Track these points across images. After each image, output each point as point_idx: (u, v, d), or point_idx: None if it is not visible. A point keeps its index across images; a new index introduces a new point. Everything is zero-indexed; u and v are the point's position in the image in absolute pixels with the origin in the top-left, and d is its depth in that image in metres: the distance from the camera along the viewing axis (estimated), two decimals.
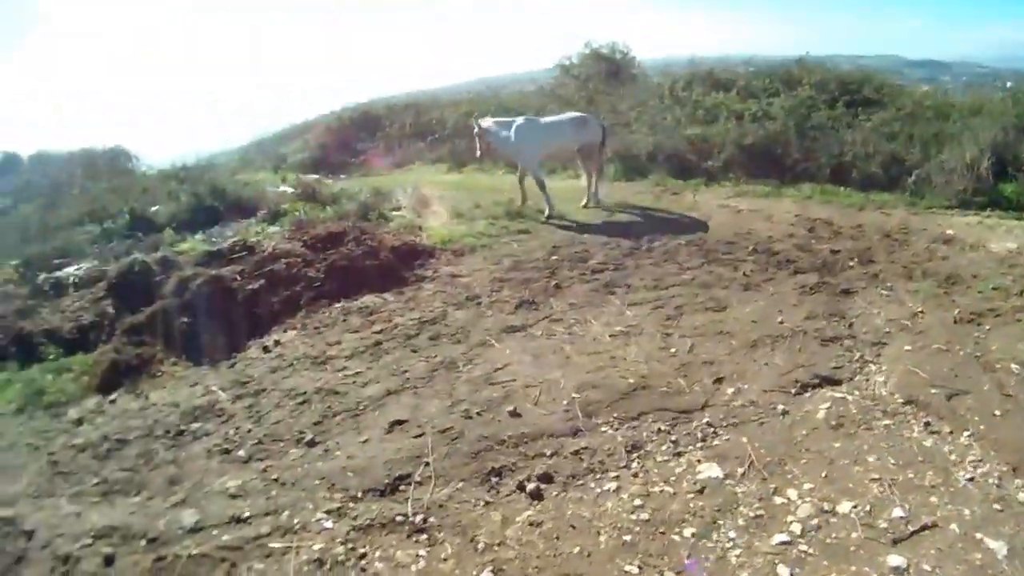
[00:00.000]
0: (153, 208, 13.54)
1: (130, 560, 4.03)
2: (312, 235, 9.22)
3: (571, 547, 3.84)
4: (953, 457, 4.72)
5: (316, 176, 18.24)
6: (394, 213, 12.07)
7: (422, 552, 3.87)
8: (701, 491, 4.27)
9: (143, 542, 4.17)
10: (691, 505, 4.14)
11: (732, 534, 3.91)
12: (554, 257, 8.88)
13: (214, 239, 10.80)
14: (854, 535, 3.98)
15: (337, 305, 7.73)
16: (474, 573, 3.71)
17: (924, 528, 4.07)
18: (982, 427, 5.00)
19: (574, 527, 4.00)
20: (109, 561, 4.04)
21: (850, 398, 5.47)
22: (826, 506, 4.18)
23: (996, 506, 4.21)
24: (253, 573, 3.86)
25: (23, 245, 12.24)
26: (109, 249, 11.13)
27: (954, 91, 16.96)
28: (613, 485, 4.36)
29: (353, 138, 21.68)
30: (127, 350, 6.80)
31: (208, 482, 4.72)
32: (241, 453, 5.03)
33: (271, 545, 4.02)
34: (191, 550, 4.03)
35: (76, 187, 18.57)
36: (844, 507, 4.19)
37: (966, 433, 4.96)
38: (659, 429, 4.95)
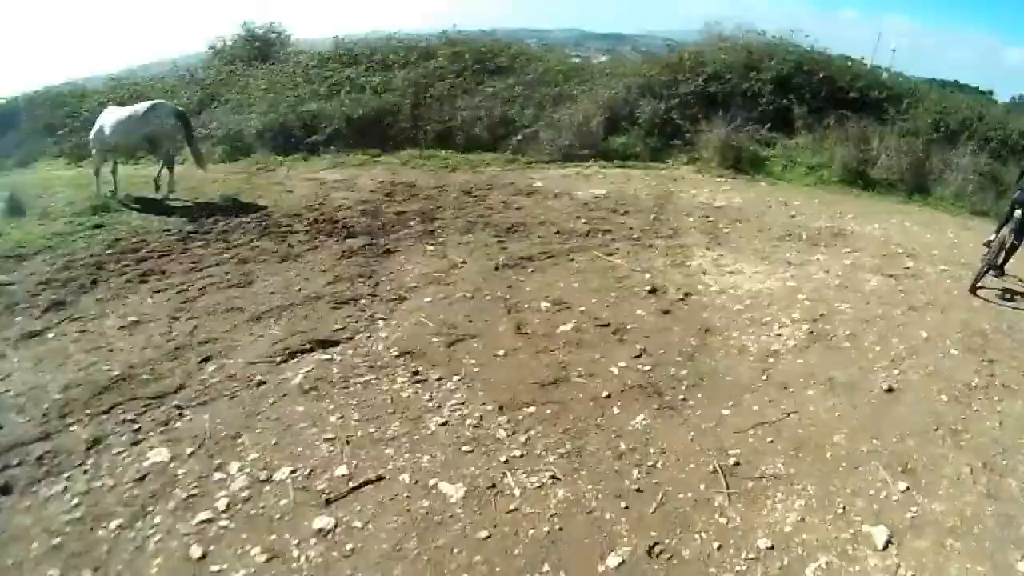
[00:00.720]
0: None
1: None
2: None
3: (6, 559, 3.71)
4: (431, 404, 4.89)
5: None
6: None
7: None
8: (142, 479, 4.22)
9: None
10: (127, 495, 4.09)
11: (158, 519, 3.88)
12: (108, 251, 8.29)
13: None
14: (283, 501, 3.98)
15: None
16: None
17: (367, 483, 4.12)
18: (476, 370, 5.30)
19: (14, 537, 3.85)
20: None
21: (338, 359, 5.55)
22: (263, 475, 4.20)
23: (465, 448, 4.41)
24: None
25: None
26: None
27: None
28: (61, 486, 4.20)
29: None
30: None
31: None
32: None
33: None
34: None
35: None
36: (282, 473, 4.20)
37: (456, 378, 5.19)
38: (125, 419, 4.83)
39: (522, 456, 4.41)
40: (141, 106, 11.09)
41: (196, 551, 3.66)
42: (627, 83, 14.03)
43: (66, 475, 4.32)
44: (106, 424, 4.81)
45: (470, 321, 6.08)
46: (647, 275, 7.17)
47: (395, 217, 9.03)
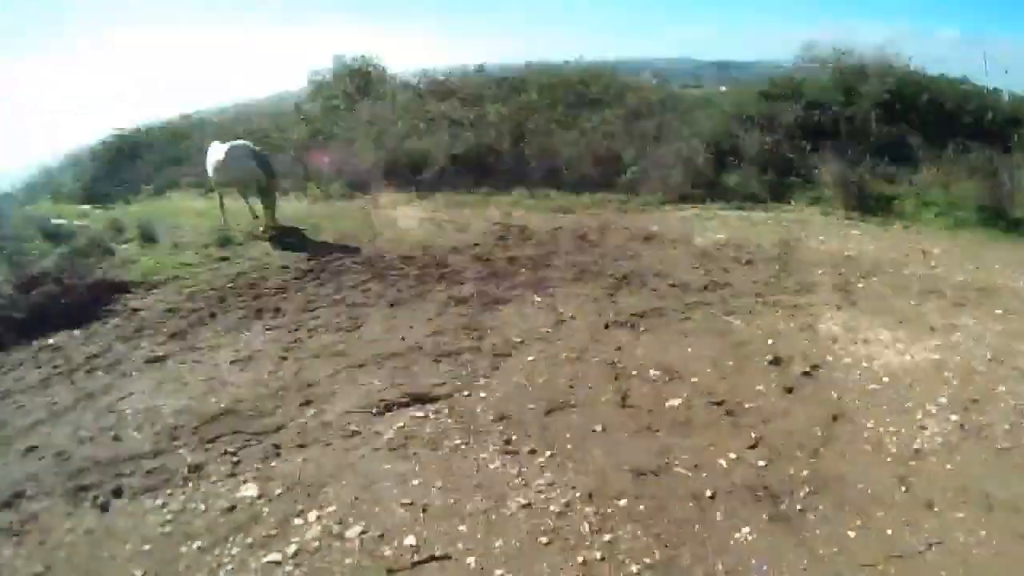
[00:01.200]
0: None
1: None
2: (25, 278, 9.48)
3: (103, 552, 4.26)
4: (517, 480, 4.72)
5: (89, 207, 18.32)
6: (123, 245, 12.44)
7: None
8: (230, 509, 4.55)
9: None
10: (213, 521, 4.43)
11: (234, 551, 4.16)
12: (229, 285, 9.00)
13: None
14: (348, 560, 4.03)
15: (29, 344, 8.12)
16: (29, 569, 4.20)
17: (432, 559, 4.04)
18: (571, 447, 5.05)
19: (114, 535, 4.41)
20: None
21: (433, 417, 5.55)
22: (336, 529, 4.31)
23: (543, 539, 4.16)
24: None
25: None
26: None
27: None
28: (161, 501, 4.70)
29: (119, 166, 21.55)
30: None
31: None
32: None
33: None
34: None
35: None
36: (353, 531, 4.28)
37: (548, 453, 4.99)
38: (226, 451, 5.22)
39: (602, 559, 4.00)
40: (224, 147, 11.61)
41: None
42: (727, 113, 13.52)
43: (167, 492, 4.80)
44: (209, 452, 5.23)
45: (571, 387, 5.87)
46: (769, 340, 6.55)
47: (507, 264, 8.98)
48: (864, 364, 6.03)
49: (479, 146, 14.07)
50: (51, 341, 7.79)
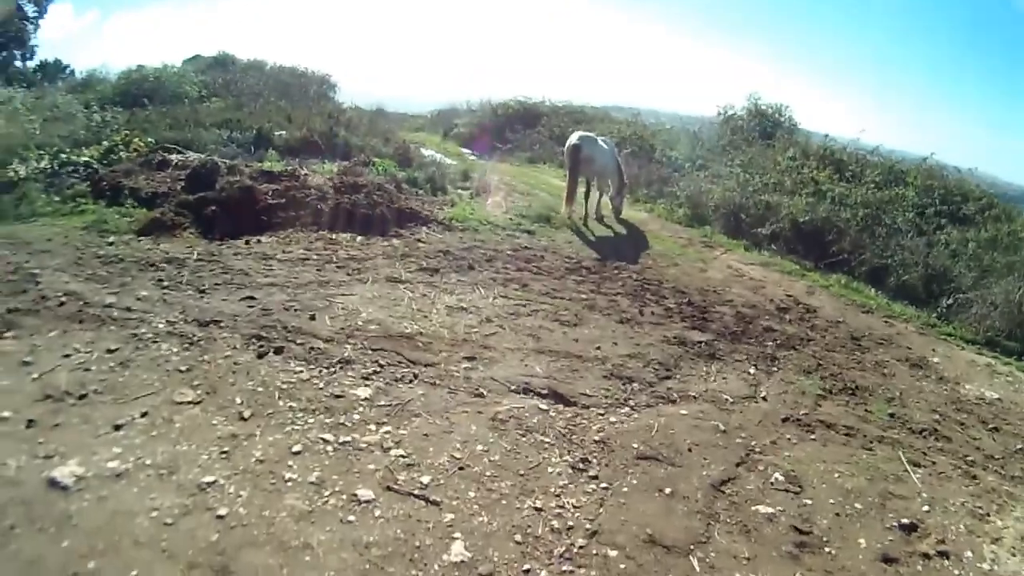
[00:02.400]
0: (278, 132, 16.34)
1: None
2: (343, 181, 11.38)
3: (230, 380, 5.51)
4: None
5: (469, 152, 21.03)
6: (458, 189, 14.23)
7: None
8: (338, 396, 5.58)
9: None
10: (317, 397, 5.41)
11: (310, 420, 5.16)
12: (509, 251, 10.31)
13: (289, 165, 13.20)
14: (370, 466, 4.57)
15: (319, 232, 9.87)
16: (181, 364, 5.62)
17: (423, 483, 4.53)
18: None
19: (247, 374, 5.69)
20: None
21: (541, 411, 5.92)
22: (387, 446, 4.83)
23: None
24: None
25: (170, 130, 15.20)
26: (221, 151, 13.84)
27: None
28: (302, 369, 5.86)
29: (509, 127, 24.13)
30: (169, 216, 9.12)
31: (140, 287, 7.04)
32: (182, 287, 7.28)
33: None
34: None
35: (266, 97, 21.96)
36: (395, 453, 4.82)
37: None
38: (378, 361, 6.19)
39: None
40: (601, 139, 13.12)
41: None
42: None
43: (311, 366, 6.00)
44: (365, 356, 6.26)
45: (690, 449, 5.75)
46: (925, 507, 5.60)
47: (761, 331, 8.85)
48: None
49: (825, 223, 13.72)
50: (333, 236, 9.27)
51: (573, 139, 13.22)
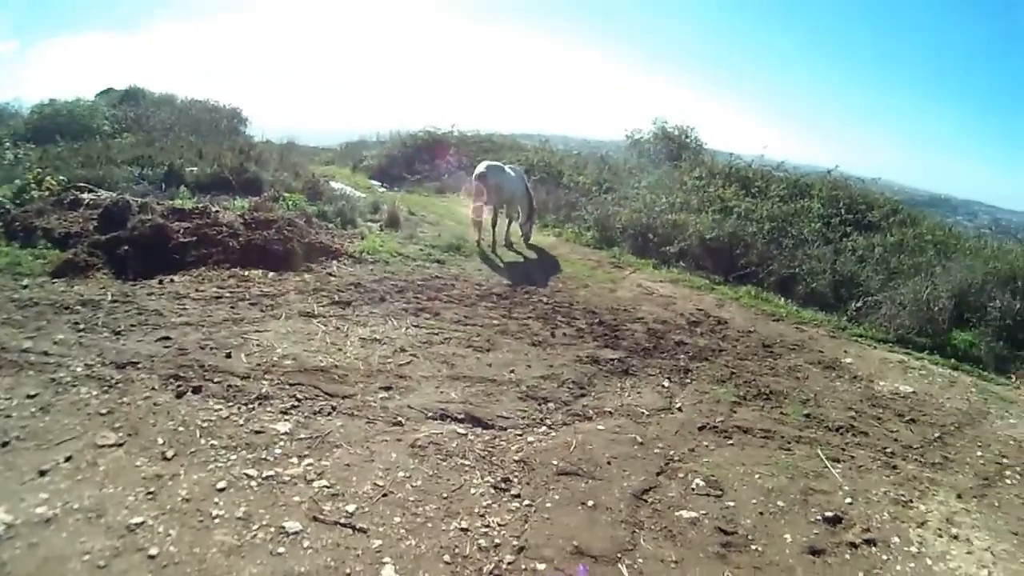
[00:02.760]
0: (189, 168, 16.23)
1: None
2: (254, 218, 11.36)
3: (151, 421, 5.47)
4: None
5: (378, 183, 21.09)
6: (368, 222, 14.30)
7: None
8: (258, 432, 5.61)
9: None
10: (238, 433, 5.36)
11: (233, 457, 5.21)
12: (419, 282, 10.41)
13: (201, 202, 13.09)
14: (295, 499, 4.59)
15: (231, 269, 9.82)
16: (102, 408, 5.50)
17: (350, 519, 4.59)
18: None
19: (165, 414, 5.67)
20: None
21: (458, 436, 6.04)
22: (311, 477, 4.91)
23: None
24: None
25: (82, 168, 14.93)
26: (133, 189, 13.66)
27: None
28: (220, 407, 5.89)
29: (418, 158, 24.32)
30: (82, 257, 9.00)
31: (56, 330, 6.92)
32: (98, 329, 7.12)
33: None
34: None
35: (177, 132, 21.78)
36: (318, 484, 4.87)
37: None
38: (295, 396, 6.28)
39: None
40: (508, 167, 13.46)
41: None
42: (991, 268, 12.16)
43: (229, 403, 6.02)
44: (283, 391, 6.24)
45: (609, 462, 5.89)
46: (848, 499, 5.87)
47: (673, 345, 9.08)
48: (929, 564, 5.23)
49: (732, 238, 14.21)
50: (246, 273, 9.22)
51: (480, 168, 13.62)
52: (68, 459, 4.81)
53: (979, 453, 7.28)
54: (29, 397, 5.46)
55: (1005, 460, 7.17)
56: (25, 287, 8.06)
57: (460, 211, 17.06)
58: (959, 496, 6.26)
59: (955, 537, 5.59)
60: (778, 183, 17.12)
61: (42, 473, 4.62)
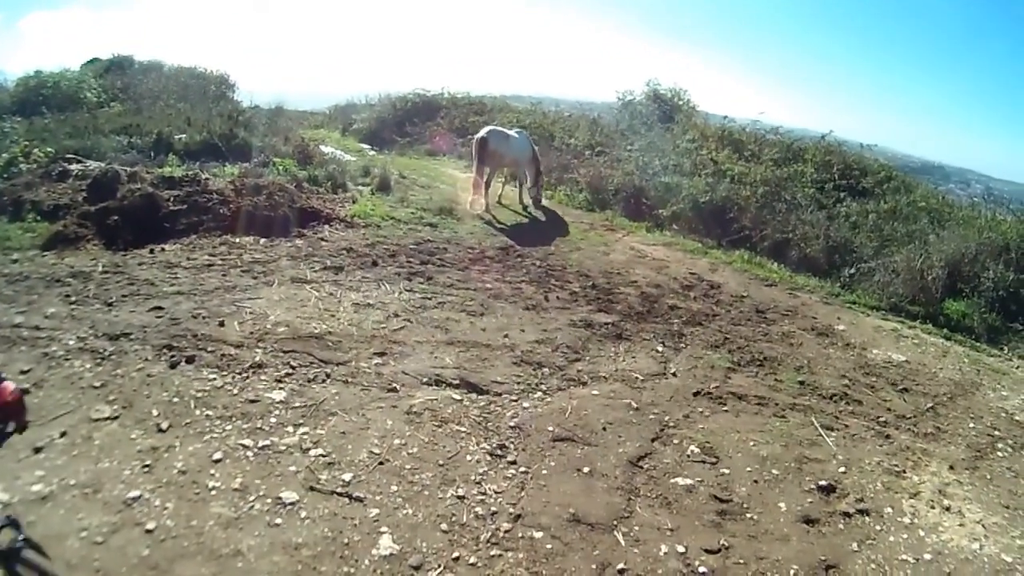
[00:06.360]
0: (177, 136, 16.08)
1: None
2: (244, 184, 11.29)
3: (145, 391, 5.51)
4: None
5: (369, 147, 20.96)
6: (359, 186, 14.23)
7: None
8: (253, 401, 5.63)
9: None
10: (232, 402, 5.38)
11: (228, 427, 5.10)
12: (411, 246, 10.34)
13: (190, 170, 12.99)
14: (292, 468, 4.66)
15: (222, 236, 9.77)
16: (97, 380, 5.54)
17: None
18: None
19: (159, 384, 5.71)
20: None
21: (447, 398, 6.12)
22: (307, 446, 4.95)
23: None
24: None
25: (70, 138, 14.77)
26: (121, 158, 13.52)
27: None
28: (213, 376, 5.97)
29: (408, 120, 24.14)
30: (72, 228, 8.91)
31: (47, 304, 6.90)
32: (89, 301, 7.11)
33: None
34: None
35: (165, 100, 21.54)
36: (314, 452, 4.93)
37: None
38: (289, 363, 6.28)
39: None
40: (512, 131, 13.38)
41: None
42: (984, 238, 12.05)
43: (223, 372, 6.06)
44: (277, 359, 6.29)
45: (604, 428, 5.99)
46: (841, 469, 5.93)
47: (666, 309, 9.11)
48: (920, 535, 5.26)
49: (726, 201, 14.20)
50: (237, 240, 9.17)
51: (482, 132, 13.47)
52: (63, 434, 4.81)
53: (971, 424, 7.34)
54: (22, 373, 5.39)
55: (997, 432, 7.24)
56: (15, 261, 8.01)
57: (452, 173, 17.01)
58: (951, 467, 6.32)
59: (947, 509, 5.65)
60: (771, 147, 16.96)
61: (37, 450, 4.62)
